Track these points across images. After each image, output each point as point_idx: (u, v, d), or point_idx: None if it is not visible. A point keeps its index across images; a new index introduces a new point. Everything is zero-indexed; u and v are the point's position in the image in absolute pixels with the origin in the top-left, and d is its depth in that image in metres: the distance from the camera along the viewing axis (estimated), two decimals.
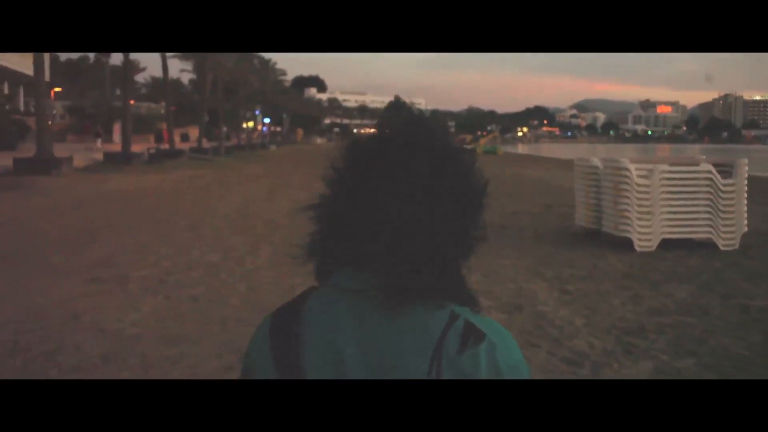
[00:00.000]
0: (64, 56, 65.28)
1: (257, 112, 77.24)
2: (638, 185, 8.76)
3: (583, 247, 8.86)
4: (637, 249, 8.56)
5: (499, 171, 28.89)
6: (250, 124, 79.03)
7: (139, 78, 69.81)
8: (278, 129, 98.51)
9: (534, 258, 8.22)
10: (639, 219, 8.70)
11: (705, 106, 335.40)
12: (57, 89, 51.37)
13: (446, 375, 0.84)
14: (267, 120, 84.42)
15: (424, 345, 0.85)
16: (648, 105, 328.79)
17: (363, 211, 0.87)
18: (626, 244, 8.62)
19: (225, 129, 65.06)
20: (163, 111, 48.71)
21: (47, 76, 51.21)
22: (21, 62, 34.12)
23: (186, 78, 68.60)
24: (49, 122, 56.17)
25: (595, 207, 9.64)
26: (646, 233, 8.72)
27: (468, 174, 0.90)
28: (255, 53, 53.91)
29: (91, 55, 57.71)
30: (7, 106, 43.50)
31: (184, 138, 59.30)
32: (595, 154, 20.36)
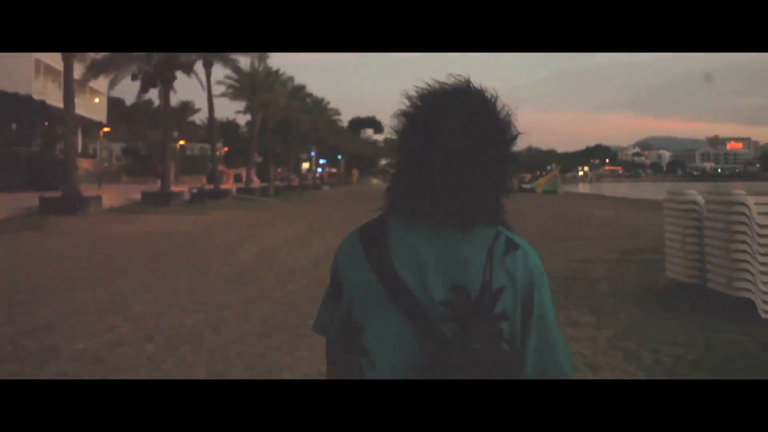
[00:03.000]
0: (129, 99, 66.79)
1: (313, 153, 77.02)
2: (761, 226, 6.43)
3: (685, 311, 6.53)
4: (763, 315, 6.18)
5: (562, 211, 26.39)
6: (305, 165, 78.83)
7: (196, 119, 70.84)
8: (335, 170, 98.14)
9: (618, 326, 5.97)
10: (764, 273, 6.34)
11: None
12: (106, 129, 52.00)
13: (496, 271, 1.16)
14: (323, 161, 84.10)
15: (480, 251, 1.17)
16: (717, 142, 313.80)
17: (435, 152, 1.16)
18: (746, 308, 6.26)
19: (280, 169, 64.83)
20: (218, 152, 48.42)
21: (104, 118, 52.12)
22: (80, 103, 34.17)
23: (242, 120, 69.09)
24: (106, 164, 57.07)
25: (696, 255, 7.31)
26: None
27: (508, 128, 1.21)
28: (307, 93, 53.38)
29: (152, 98, 58.48)
30: (64, 146, 44.05)
31: (237, 178, 59.19)
32: (663, 192, 17.65)
